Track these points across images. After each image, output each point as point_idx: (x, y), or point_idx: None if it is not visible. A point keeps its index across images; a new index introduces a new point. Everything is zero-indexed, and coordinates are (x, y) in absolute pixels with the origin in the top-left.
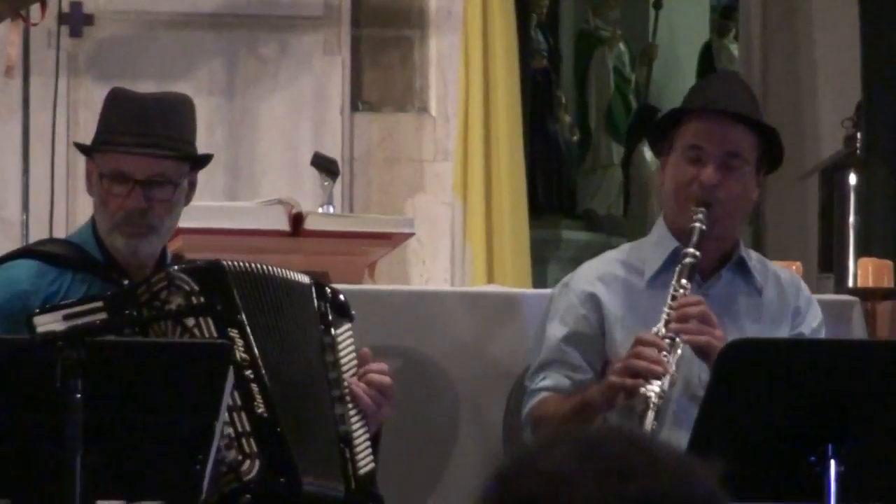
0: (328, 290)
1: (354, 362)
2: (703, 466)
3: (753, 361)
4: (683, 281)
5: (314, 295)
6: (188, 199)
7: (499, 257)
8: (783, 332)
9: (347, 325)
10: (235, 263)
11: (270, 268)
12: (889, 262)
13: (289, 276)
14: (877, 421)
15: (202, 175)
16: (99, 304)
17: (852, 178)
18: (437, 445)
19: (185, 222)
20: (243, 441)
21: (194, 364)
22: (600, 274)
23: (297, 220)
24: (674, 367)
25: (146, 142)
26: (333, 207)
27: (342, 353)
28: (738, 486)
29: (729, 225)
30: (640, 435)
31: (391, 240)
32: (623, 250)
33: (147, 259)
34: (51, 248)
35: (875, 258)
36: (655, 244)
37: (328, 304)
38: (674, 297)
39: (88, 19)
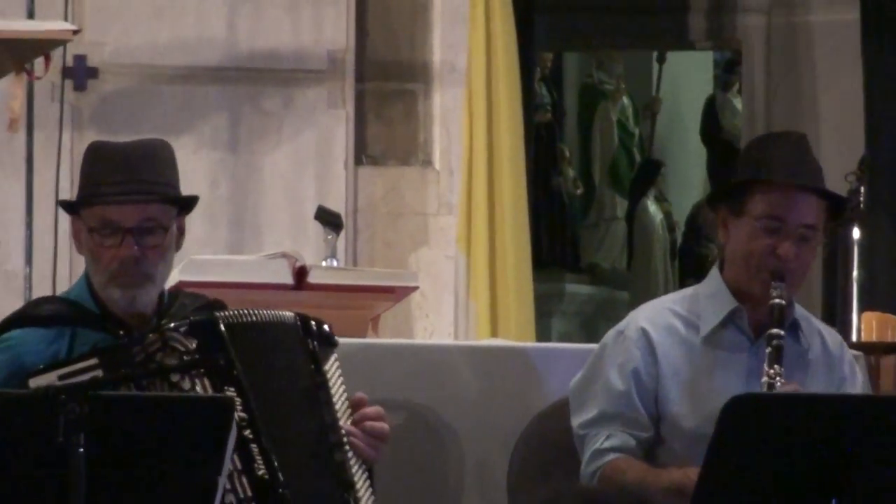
0: (312, 323)
1: (345, 396)
2: None
3: (757, 416)
4: (777, 367)
5: (301, 331)
6: (178, 245)
7: (503, 311)
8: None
9: (334, 356)
10: (229, 315)
11: (259, 311)
12: (893, 317)
13: (277, 318)
14: (880, 475)
15: (206, 228)
16: (94, 361)
17: (856, 233)
18: (441, 500)
19: (187, 275)
20: None
21: (197, 418)
22: (656, 324)
23: (300, 273)
24: None
25: (130, 189)
26: (337, 261)
27: (333, 389)
28: None
29: (796, 291)
30: (644, 497)
31: (395, 293)
32: (675, 300)
33: (145, 308)
34: (44, 309)
35: (879, 312)
36: (711, 298)
37: (314, 339)
38: (770, 386)
39: (92, 73)
